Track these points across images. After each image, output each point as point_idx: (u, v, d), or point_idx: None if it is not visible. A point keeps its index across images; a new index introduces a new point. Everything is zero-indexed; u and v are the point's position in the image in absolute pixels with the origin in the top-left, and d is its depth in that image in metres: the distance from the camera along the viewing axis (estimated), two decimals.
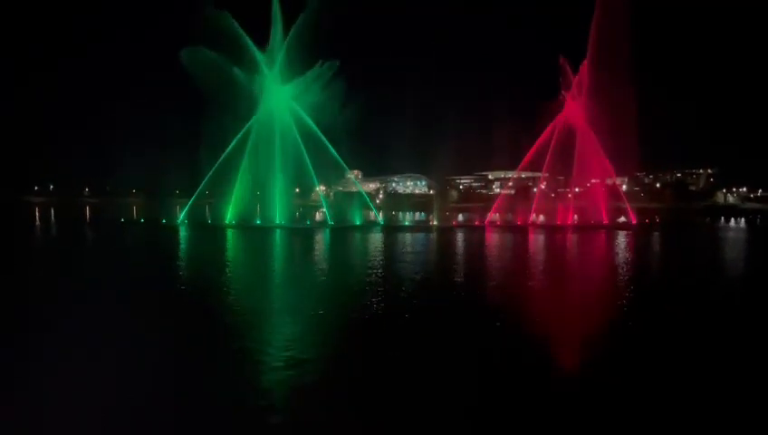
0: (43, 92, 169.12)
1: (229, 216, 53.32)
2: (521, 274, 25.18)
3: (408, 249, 34.11)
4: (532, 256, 33.16)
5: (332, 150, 51.80)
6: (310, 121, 51.76)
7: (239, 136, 52.26)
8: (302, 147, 51.57)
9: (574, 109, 58.29)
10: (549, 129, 58.12)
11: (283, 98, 53.30)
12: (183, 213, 56.23)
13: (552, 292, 21.00)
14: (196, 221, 54.77)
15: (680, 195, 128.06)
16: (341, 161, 52.85)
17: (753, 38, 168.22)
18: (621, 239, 43.70)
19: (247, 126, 52.53)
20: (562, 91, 58.00)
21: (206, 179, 53.69)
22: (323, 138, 51.28)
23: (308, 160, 51.80)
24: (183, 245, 39.49)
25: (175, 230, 48.87)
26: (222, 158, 52.10)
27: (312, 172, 52.67)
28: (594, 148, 56.89)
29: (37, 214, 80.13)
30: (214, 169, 52.48)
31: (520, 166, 62.38)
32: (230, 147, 52.12)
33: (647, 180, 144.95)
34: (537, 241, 42.89)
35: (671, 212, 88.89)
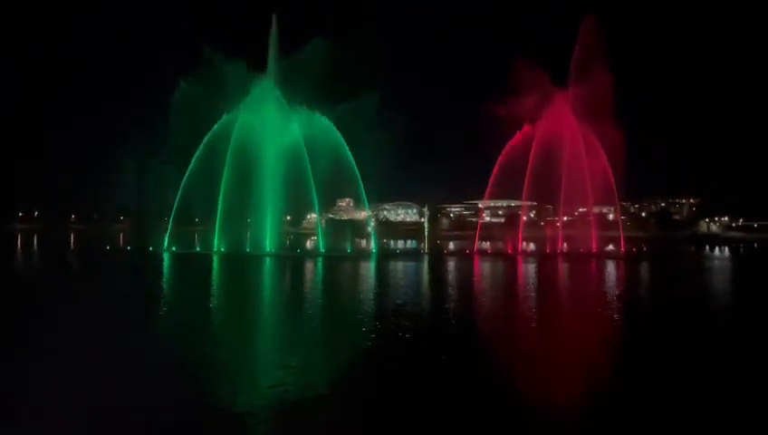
0: (26, 114, 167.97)
1: (217, 243, 52.56)
2: (526, 311, 24.00)
3: (401, 282, 33.55)
4: (531, 288, 32.50)
5: (360, 184, 51.66)
6: (346, 149, 50.79)
7: (192, 162, 51.30)
8: (310, 174, 51.02)
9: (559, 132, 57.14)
10: (507, 148, 55.95)
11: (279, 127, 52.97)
12: (166, 240, 55.06)
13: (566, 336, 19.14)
14: (184, 248, 53.76)
15: (665, 224, 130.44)
16: (363, 193, 52.71)
17: (737, 69, 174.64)
18: (614, 268, 43.73)
19: (201, 146, 51.36)
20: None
21: (175, 205, 52.93)
22: (356, 169, 50.91)
23: (314, 188, 51.44)
24: (165, 274, 38.38)
25: (159, 259, 47.73)
26: (183, 182, 51.58)
27: (315, 199, 52.41)
28: (597, 173, 55.85)
29: (19, 242, 78.16)
30: (179, 194, 52.01)
31: (486, 193, 59.74)
32: (188, 172, 51.38)
33: (632, 209, 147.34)
34: (529, 270, 42.73)
35: (657, 241, 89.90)
